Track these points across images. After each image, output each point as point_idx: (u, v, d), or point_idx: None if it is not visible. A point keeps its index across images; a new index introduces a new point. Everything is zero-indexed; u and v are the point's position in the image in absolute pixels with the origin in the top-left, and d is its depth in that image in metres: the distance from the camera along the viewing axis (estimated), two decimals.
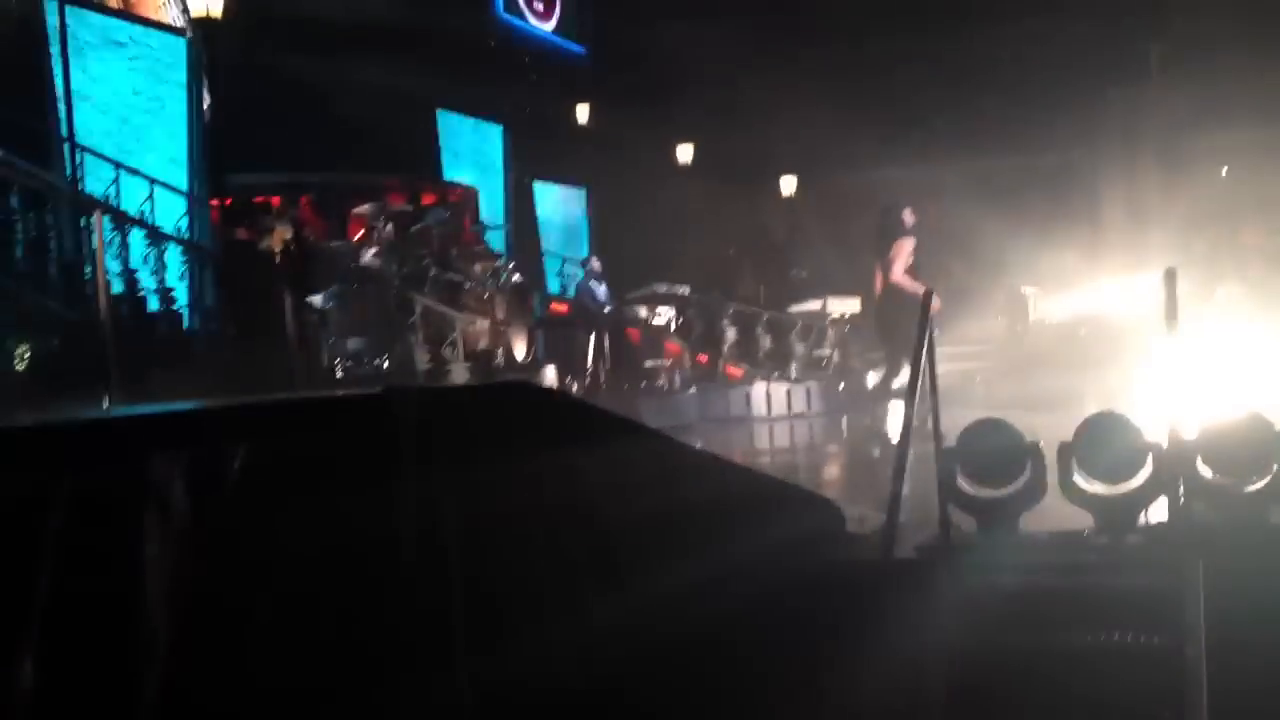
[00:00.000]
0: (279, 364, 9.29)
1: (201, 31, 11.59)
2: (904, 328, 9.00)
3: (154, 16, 12.55)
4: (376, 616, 3.26)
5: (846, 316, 16.37)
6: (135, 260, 9.92)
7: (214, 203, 12.33)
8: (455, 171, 17.31)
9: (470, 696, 3.30)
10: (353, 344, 10.73)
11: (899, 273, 8.90)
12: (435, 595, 3.40)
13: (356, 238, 12.18)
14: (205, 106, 12.54)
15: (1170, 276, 5.73)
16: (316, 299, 10.83)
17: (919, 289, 8.65)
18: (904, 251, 8.94)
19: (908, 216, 9.19)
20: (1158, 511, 5.13)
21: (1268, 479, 4.80)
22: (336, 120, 14.00)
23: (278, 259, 10.33)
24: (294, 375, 9.11)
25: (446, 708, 3.17)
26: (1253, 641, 4.18)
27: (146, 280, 10.01)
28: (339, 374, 10.24)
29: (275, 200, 12.73)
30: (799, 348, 15.76)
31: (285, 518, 3.25)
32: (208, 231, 11.88)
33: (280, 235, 10.66)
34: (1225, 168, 20.12)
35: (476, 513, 3.71)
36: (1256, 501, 4.78)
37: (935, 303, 8.53)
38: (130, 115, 11.97)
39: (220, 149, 12.19)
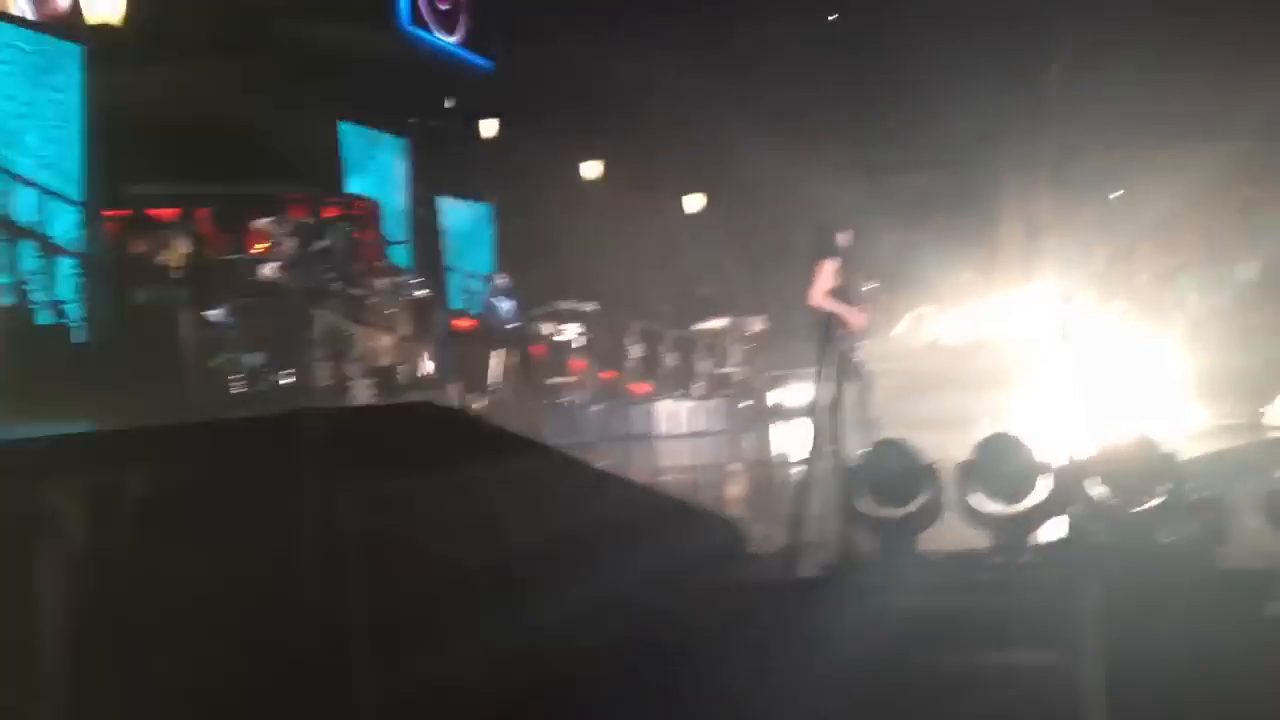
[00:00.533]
0: (174, 379, 9.10)
1: (97, 39, 11.31)
2: (844, 357, 9.05)
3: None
4: (277, 635, 3.21)
5: (751, 334, 16.49)
6: (25, 273, 9.66)
7: (109, 214, 12.04)
8: (358, 185, 17.11)
9: (369, 714, 3.26)
10: (250, 359, 10.54)
11: (816, 296, 8.89)
12: (336, 613, 3.35)
13: (256, 251, 11.98)
14: (98, 116, 12.25)
15: (1066, 298, 5.87)
16: (215, 313, 10.63)
17: (843, 311, 8.70)
18: (823, 273, 8.96)
19: (841, 238, 9.19)
20: (1052, 531, 5.25)
21: (1156, 500, 4.94)
22: (236, 132, 13.75)
23: (174, 273, 10.12)
24: (190, 391, 8.92)
25: None
26: (1143, 658, 4.28)
27: (38, 293, 9.75)
28: (236, 390, 10.04)
29: (173, 213, 12.48)
30: (703, 365, 15.83)
31: (184, 540, 3.18)
32: (100, 244, 11.59)
33: (178, 249, 10.44)
34: (1120, 190, 20.64)
35: (378, 531, 3.67)
36: (1146, 521, 4.91)
37: (858, 321, 8.64)
38: (20, 123, 11.65)
39: (116, 159, 11.91)
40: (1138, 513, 4.94)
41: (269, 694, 3.00)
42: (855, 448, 5.66)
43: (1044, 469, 5.25)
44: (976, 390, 10.92)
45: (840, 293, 8.85)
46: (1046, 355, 11.22)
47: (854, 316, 8.68)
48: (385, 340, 11.36)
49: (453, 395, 11.62)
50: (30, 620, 2.50)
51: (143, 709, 2.58)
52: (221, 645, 2.88)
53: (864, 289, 9.24)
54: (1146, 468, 4.97)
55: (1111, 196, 20.61)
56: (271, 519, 3.31)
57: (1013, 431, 5.52)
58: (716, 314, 17.03)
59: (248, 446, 3.61)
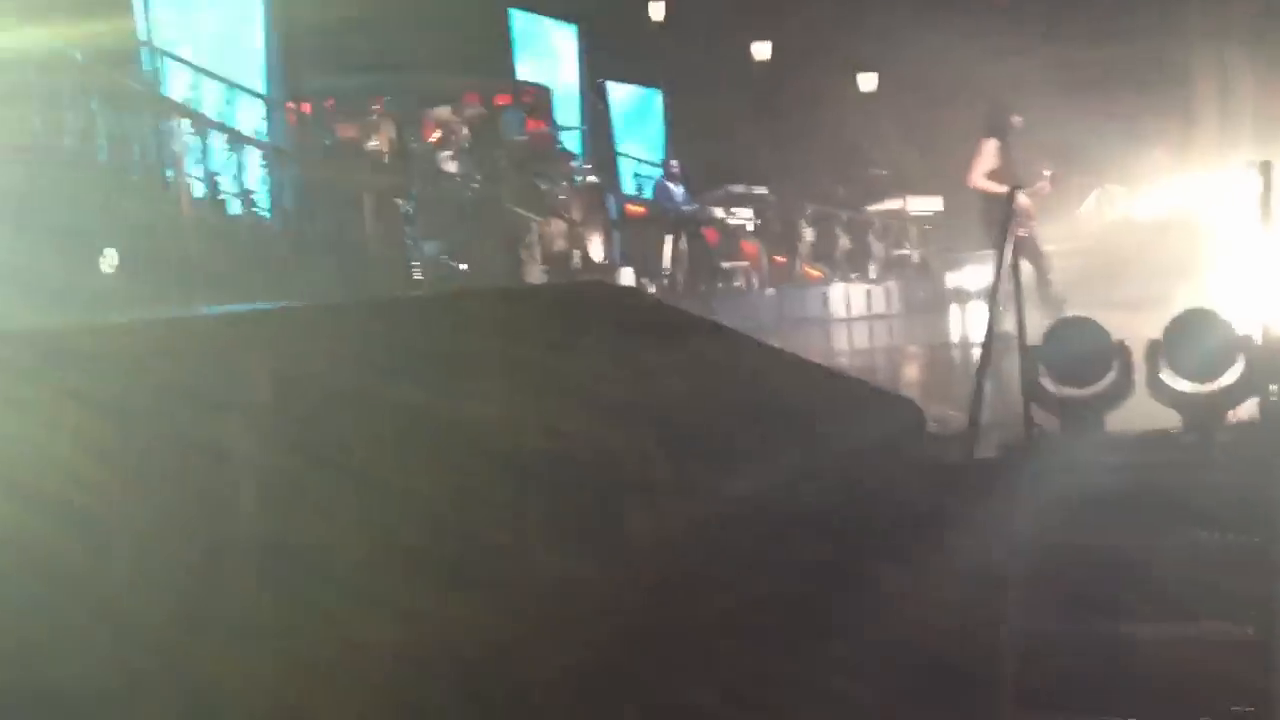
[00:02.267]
0: (358, 266, 9.35)
1: None
2: (993, 231, 8.82)
3: None
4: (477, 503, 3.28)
5: (927, 215, 16.13)
6: (215, 163, 10.00)
7: (291, 106, 12.35)
8: (529, 71, 17.16)
9: (550, 584, 3.33)
10: (429, 247, 10.75)
11: (975, 177, 8.70)
12: (514, 492, 3.43)
13: (432, 140, 12.16)
14: (278, 8, 12.52)
15: (1265, 169, 5.54)
16: (395, 201, 10.86)
17: (1000, 192, 8.45)
18: (982, 154, 8.73)
19: (1014, 119, 8.94)
20: (1248, 410, 5.04)
21: None
22: (407, 21, 13.88)
23: (385, 159, 10.25)
24: (372, 277, 9.16)
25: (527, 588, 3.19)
26: None
27: (230, 183, 10.09)
28: (416, 276, 10.28)
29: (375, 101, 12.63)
30: (878, 248, 15.57)
31: (367, 411, 3.28)
32: (284, 134, 11.91)
33: (386, 135, 10.59)
34: None
35: (556, 409, 3.73)
36: None
37: (1024, 201, 8.38)
38: (207, 19, 11.98)
39: (295, 53, 12.18)
40: None
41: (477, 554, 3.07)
42: (1037, 328, 5.50)
43: (1240, 346, 5.03)
44: (1168, 270, 10.49)
45: (1004, 174, 8.59)
46: (1244, 232, 10.64)
47: (1022, 199, 8.42)
48: (559, 226, 11.46)
49: (626, 279, 11.69)
50: (230, 489, 2.62)
51: (379, 560, 2.69)
52: (413, 511, 2.97)
53: (1044, 172, 8.94)
54: None
55: None
56: (451, 396, 3.38)
57: (1208, 306, 5.29)
58: (891, 195, 16.68)
59: (426, 322, 3.70)
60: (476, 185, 11.09)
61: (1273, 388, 4.86)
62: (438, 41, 14.33)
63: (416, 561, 2.92)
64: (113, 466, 2.41)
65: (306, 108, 12.73)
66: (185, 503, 2.48)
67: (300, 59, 12.41)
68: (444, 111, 12.32)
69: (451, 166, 11.45)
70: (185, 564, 2.37)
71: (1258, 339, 5.04)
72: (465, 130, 11.96)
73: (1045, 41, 19.54)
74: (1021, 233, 8.41)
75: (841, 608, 4.47)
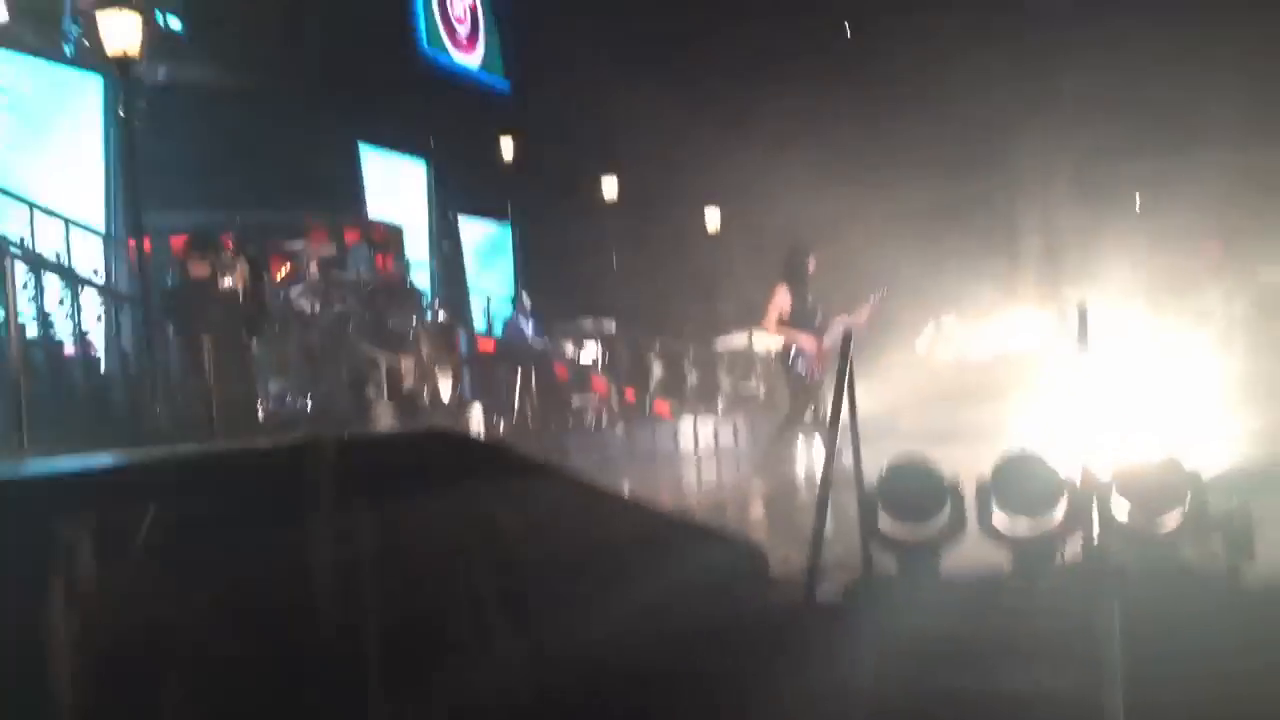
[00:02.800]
0: (199, 405, 9.15)
1: (115, 69, 11.40)
2: (785, 375, 9.16)
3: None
4: (292, 660, 3.22)
5: (773, 351, 16.45)
6: (52, 303, 9.74)
7: (132, 244, 12.13)
8: (379, 207, 17.21)
9: None
10: (275, 386, 10.60)
11: (769, 323, 9.05)
12: (349, 639, 3.37)
13: (280, 277, 12.06)
14: (119, 145, 12.37)
15: (1082, 309, 5.84)
16: (239, 339, 10.67)
17: (792, 337, 8.80)
18: (775, 299, 9.08)
19: (807, 262, 9.32)
20: (1074, 551, 5.21)
21: (1180, 519, 4.89)
22: (256, 156, 13.85)
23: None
24: (214, 417, 8.97)
25: None
26: (1165, 680, 4.24)
27: (64, 323, 9.82)
28: (260, 416, 10.09)
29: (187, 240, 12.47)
30: (726, 382, 15.83)
31: (198, 569, 3.21)
32: (125, 271, 11.68)
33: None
34: (1138, 197, 20.56)
35: (393, 560, 3.69)
36: (1168, 540, 4.87)
37: (809, 343, 8.69)
38: (47, 153, 11.78)
39: (137, 187, 12.01)
40: (1162, 532, 4.90)
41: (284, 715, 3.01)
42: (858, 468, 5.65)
43: (1066, 486, 5.22)
44: (997, 402, 10.88)
45: (799, 316, 8.91)
46: (1067, 367, 11.14)
47: (805, 342, 8.76)
48: (407, 364, 11.41)
49: (475, 418, 11.65)
50: (40, 653, 2.52)
51: None
52: (236, 676, 2.90)
53: (821, 316, 9.29)
54: (1168, 484, 4.93)
55: (1135, 206, 20.53)
56: (285, 547, 3.34)
57: (1033, 448, 5.49)
58: (737, 329, 17.03)
59: (261, 474, 3.64)
60: (324, 323, 11.00)
61: (1094, 528, 5.05)
62: (287, 177, 14.31)
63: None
64: None
65: (147, 245, 12.51)
66: None
67: (144, 194, 12.25)
68: (293, 247, 12.24)
69: (299, 304, 11.35)
70: None
71: (1080, 478, 5.24)
72: (314, 267, 11.89)
73: (882, 176, 20.38)
74: (802, 373, 8.76)
75: None
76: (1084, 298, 6.26)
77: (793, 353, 9.06)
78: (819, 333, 8.98)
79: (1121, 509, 5.06)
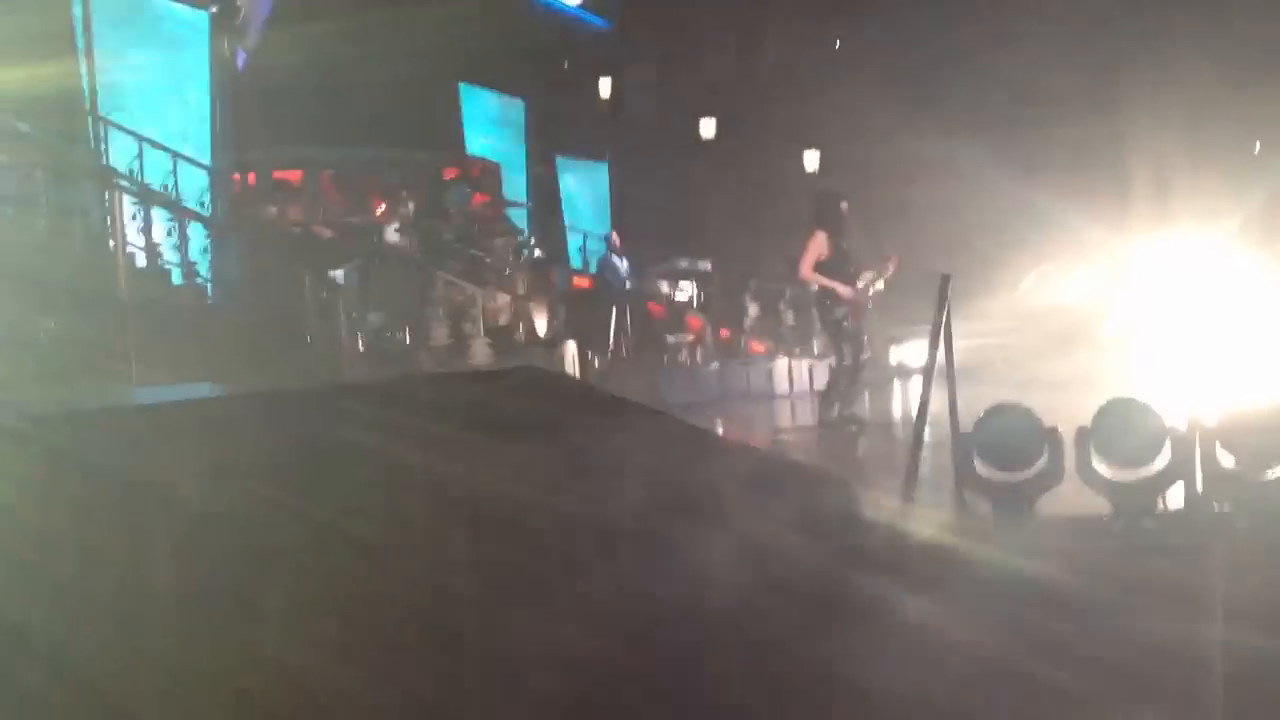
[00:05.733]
0: (299, 339, 9.32)
1: (222, 6, 11.57)
2: (825, 322, 9.05)
3: None
4: (387, 598, 3.28)
5: (869, 291, 16.28)
6: (159, 234, 9.97)
7: (238, 178, 12.35)
8: (478, 146, 17.28)
9: (476, 678, 3.31)
10: (374, 319, 10.75)
11: (805, 269, 8.92)
12: (443, 577, 3.42)
13: (379, 213, 12.19)
14: (225, 82, 12.55)
15: (1194, 256, 5.70)
16: (337, 274, 10.84)
17: (829, 284, 8.70)
18: (812, 246, 8.94)
19: (841, 208, 9.18)
20: (1176, 497, 5.12)
21: None
22: (358, 95, 13.97)
23: (300, 235, 10.31)
24: (313, 351, 9.13)
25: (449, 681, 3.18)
26: (1265, 628, 4.16)
27: (170, 254, 10.06)
28: (361, 348, 10.26)
29: (296, 175, 12.72)
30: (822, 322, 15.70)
31: (295, 503, 3.27)
32: (229, 207, 11.89)
33: (302, 210, 10.61)
34: (1258, 143, 19.88)
35: (484, 496, 3.72)
36: (1273, 488, 4.77)
37: (845, 293, 8.58)
38: (154, 88, 11.98)
39: (243, 124, 12.20)
40: (1267, 480, 4.80)
41: (376, 661, 3.06)
42: (954, 412, 5.58)
43: (1169, 433, 5.12)
44: (1101, 351, 10.67)
45: (834, 266, 8.78)
46: (1176, 315, 10.91)
47: (842, 289, 8.64)
48: (503, 300, 11.50)
49: (569, 354, 11.72)
50: (142, 584, 2.59)
51: (255, 676, 2.66)
52: (331, 613, 2.95)
53: (886, 262, 9.16)
54: (1274, 433, 4.82)
55: (1254, 151, 19.84)
56: (379, 484, 3.38)
57: (1136, 395, 5.39)
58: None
59: (357, 409, 3.70)
60: (421, 258, 11.12)
61: (1198, 475, 4.96)
62: (387, 114, 14.41)
63: (347, 648, 2.90)
64: (26, 562, 2.39)
65: (252, 178, 12.72)
66: (101, 599, 2.46)
67: (247, 130, 12.44)
68: (392, 184, 12.37)
69: (397, 239, 11.48)
70: (103, 663, 2.35)
71: (1185, 425, 5.14)
72: (411, 204, 12.00)
73: (987, 122, 19.96)
74: (845, 322, 8.66)
75: (781, 691, 4.46)
76: (1199, 244, 6.09)
77: (830, 301, 8.95)
78: (852, 280, 8.87)
79: (1227, 457, 4.96)
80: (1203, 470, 4.99)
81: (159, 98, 12.05)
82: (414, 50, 14.85)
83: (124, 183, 9.33)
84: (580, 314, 13.68)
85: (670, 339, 14.40)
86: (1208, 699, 4.04)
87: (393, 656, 3.01)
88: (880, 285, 9.44)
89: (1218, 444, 4.99)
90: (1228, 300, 10.55)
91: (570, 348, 12.12)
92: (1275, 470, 4.79)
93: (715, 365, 14.26)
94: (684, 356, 14.25)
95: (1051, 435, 5.36)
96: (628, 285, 14.63)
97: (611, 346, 13.57)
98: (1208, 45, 19.23)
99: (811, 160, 22.18)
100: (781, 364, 14.94)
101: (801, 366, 14.76)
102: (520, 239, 13.04)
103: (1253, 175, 17.01)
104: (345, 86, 14.12)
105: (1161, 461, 5.11)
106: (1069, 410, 5.57)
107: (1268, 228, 13.99)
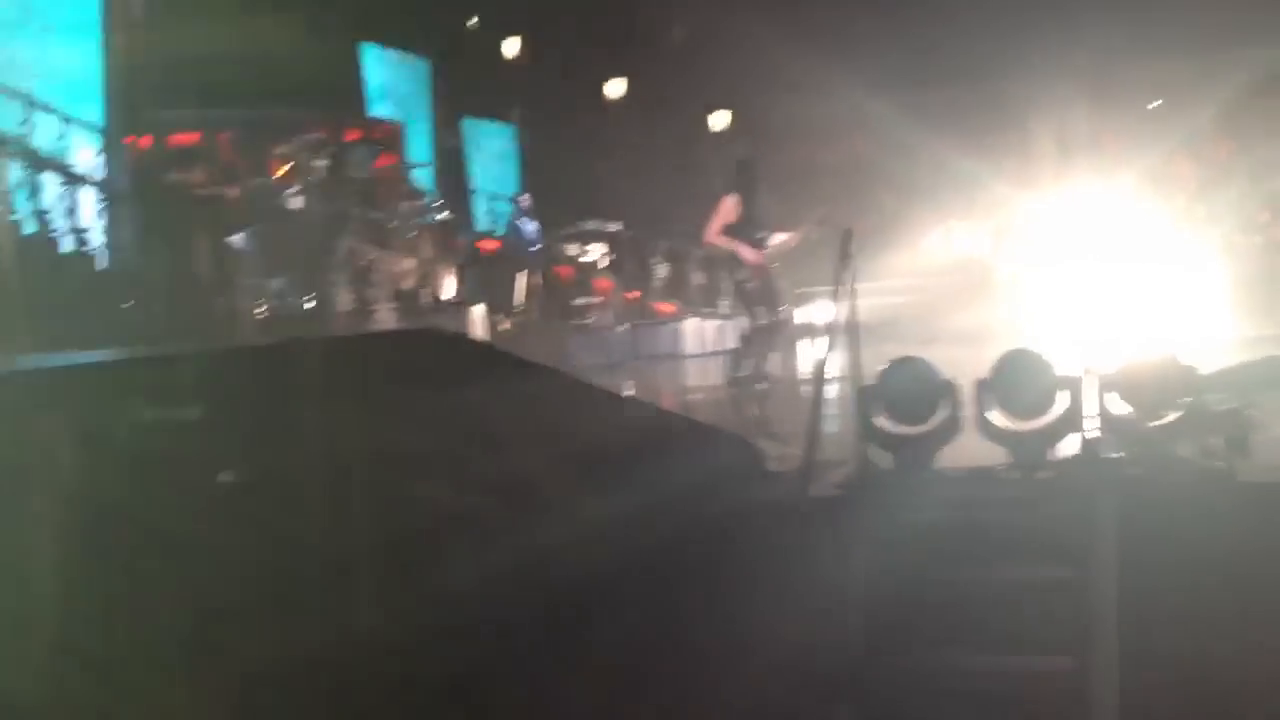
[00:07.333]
0: (196, 305, 9.11)
1: None
2: (739, 291, 9.03)
3: None
4: (280, 559, 3.22)
5: (781, 250, 16.32)
6: (48, 201, 9.64)
7: (130, 140, 12.00)
8: (380, 107, 16.99)
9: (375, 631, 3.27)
10: (275, 284, 10.53)
11: (710, 233, 8.87)
12: (339, 536, 3.36)
13: (279, 176, 11.93)
14: (119, 41, 12.17)
15: (1092, 211, 5.77)
16: (236, 239, 10.61)
17: (735, 248, 8.67)
18: (720, 210, 8.89)
19: (750, 171, 9.13)
20: (1070, 446, 5.20)
21: (1175, 414, 4.87)
22: (256, 55, 13.64)
23: (197, 198, 10.04)
24: (212, 316, 8.94)
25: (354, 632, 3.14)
26: (1157, 571, 4.25)
27: (60, 221, 9.73)
28: (261, 314, 10.06)
29: (193, 138, 12.40)
30: (729, 283, 15.73)
31: (184, 467, 3.19)
32: (123, 170, 11.55)
33: (199, 174, 10.34)
34: (1159, 100, 20.23)
35: (383, 458, 3.66)
36: (1165, 435, 4.86)
37: (749, 256, 8.58)
38: (41, 50, 11.58)
39: (136, 85, 11.84)
40: (1156, 427, 4.89)
41: (274, 615, 3.01)
42: (855, 367, 5.61)
43: (1063, 384, 5.20)
44: (1002, 304, 10.83)
45: (748, 226, 8.75)
46: (1074, 269, 11.09)
47: (746, 252, 8.63)
48: (408, 264, 11.34)
49: (475, 317, 11.61)
50: (26, 552, 2.51)
51: (142, 632, 2.60)
52: (222, 571, 2.89)
53: (814, 218, 9.15)
54: (1166, 382, 4.91)
55: (1150, 106, 20.20)
56: (272, 446, 3.32)
57: (1032, 347, 5.46)
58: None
59: (249, 373, 3.61)
60: (323, 222, 10.91)
61: (1090, 424, 5.03)
62: (287, 75, 14.09)
63: (231, 612, 2.84)
64: None
65: (147, 141, 12.37)
66: None
67: (141, 90, 12.07)
68: (290, 147, 12.09)
69: (299, 203, 11.24)
70: None
71: (1079, 375, 5.22)
72: (313, 166, 11.75)
73: (896, 81, 20.06)
74: (749, 284, 8.64)
75: (677, 648, 4.47)
76: (1098, 200, 6.17)
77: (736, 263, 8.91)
78: (759, 243, 8.84)
79: (1120, 406, 5.04)
80: (1096, 419, 5.07)
81: (50, 59, 11.66)
82: (314, 8, 14.54)
83: (9, 147, 9.00)
84: (488, 277, 13.55)
85: (579, 301, 14.34)
86: (1089, 640, 4.13)
87: (281, 615, 2.95)
88: (790, 247, 9.37)
89: (1111, 393, 5.08)
90: (1123, 254, 10.77)
91: (477, 311, 12.01)
92: (1165, 417, 4.88)
93: (624, 327, 14.23)
94: (592, 318, 14.20)
95: (949, 388, 5.42)
96: (536, 248, 14.52)
97: (519, 309, 13.47)
98: (1112, 4, 19.47)
99: (721, 120, 22.18)
100: (690, 324, 14.97)
101: (710, 327, 14.78)
102: (425, 201, 12.85)
103: (1149, 131, 17.33)
104: (242, 47, 13.79)
105: (1057, 411, 5.19)
106: (972, 364, 5.63)
107: (1161, 186, 14.30)
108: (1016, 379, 5.29)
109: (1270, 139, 14.75)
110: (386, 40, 17.46)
